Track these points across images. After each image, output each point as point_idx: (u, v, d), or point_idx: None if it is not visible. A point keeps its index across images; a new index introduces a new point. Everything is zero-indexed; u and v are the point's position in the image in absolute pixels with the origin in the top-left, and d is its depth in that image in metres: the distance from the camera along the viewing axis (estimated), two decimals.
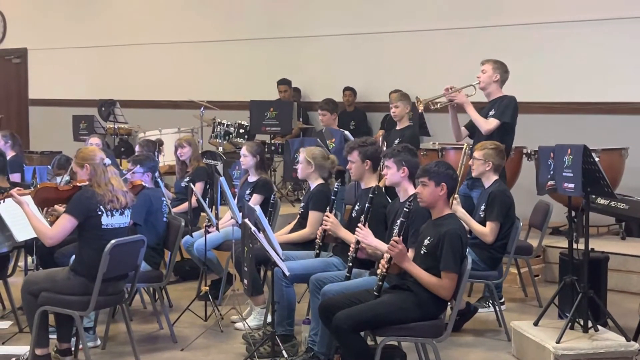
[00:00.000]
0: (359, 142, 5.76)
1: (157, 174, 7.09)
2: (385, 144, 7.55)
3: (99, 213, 5.07)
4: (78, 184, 5.18)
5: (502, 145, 6.47)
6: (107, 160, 5.21)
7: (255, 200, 6.87)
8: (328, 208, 5.73)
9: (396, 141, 7.20)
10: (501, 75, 6.95)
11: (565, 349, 5.13)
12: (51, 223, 5.52)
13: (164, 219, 6.24)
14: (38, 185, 5.44)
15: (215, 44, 12.41)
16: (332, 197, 5.77)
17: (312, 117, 11.29)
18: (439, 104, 7.05)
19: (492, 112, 6.87)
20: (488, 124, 6.82)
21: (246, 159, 7.16)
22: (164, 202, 6.29)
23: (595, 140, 7.87)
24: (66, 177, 6.74)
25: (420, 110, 7.27)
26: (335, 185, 5.81)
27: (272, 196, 6.86)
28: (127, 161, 6.78)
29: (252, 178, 7.19)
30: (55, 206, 5.62)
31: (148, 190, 6.11)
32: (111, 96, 11.91)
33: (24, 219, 5.28)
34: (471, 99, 6.97)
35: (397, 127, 7.75)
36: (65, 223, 5.05)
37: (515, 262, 7.27)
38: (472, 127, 7.04)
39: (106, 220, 5.10)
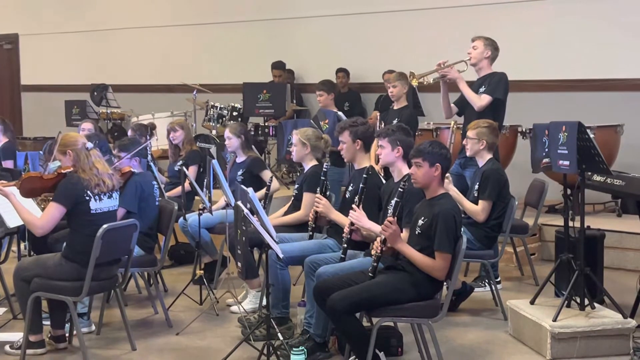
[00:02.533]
0: (349, 122, 5.72)
1: (149, 157, 7.05)
2: (383, 124, 7.50)
3: (87, 198, 5.03)
4: (63, 171, 5.13)
5: (495, 122, 6.44)
6: (89, 144, 5.16)
7: (266, 177, 6.90)
8: (318, 190, 5.69)
9: (394, 121, 7.16)
10: (492, 51, 6.94)
11: (562, 327, 5.12)
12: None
13: (156, 203, 6.19)
14: (23, 176, 5.38)
15: (207, 26, 12.34)
16: (322, 178, 5.72)
17: (306, 98, 11.24)
18: (432, 80, 7.02)
19: (482, 89, 6.86)
20: (481, 100, 6.80)
21: (231, 141, 7.15)
22: (155, 185, 6.24)
23: (590, 117, 7.82)
24: (57, 163, 6.68)
25: (414, 85, 7.22)
26: (325, 165, 5.77)
27: (269, 179, 6.84)
28: (113, 148, 6.73)
29: (241, 158, 7.17)
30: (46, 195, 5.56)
31: (137, 177, 6.04)
32: (103, 81, 11.85)
33: None
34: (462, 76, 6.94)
35: (395, 107, 7.71)
36: (54, 211, 5.00)
37: (511, 241, 7.26)
38: (461, 104, 7.02)
39: (95, 205, 5.06)
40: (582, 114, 6.94)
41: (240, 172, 7.05)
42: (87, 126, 8.48)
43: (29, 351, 5.20)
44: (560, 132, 5.27)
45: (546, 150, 5.52)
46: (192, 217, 6.81)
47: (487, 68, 6.97)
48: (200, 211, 6.52)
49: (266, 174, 7.08)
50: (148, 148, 7.92)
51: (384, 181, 5.53)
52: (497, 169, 6.24)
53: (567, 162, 5.25)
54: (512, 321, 5.71)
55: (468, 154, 6.43)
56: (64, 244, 5.24)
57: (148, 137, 8.09)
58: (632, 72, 8.97)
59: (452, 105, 7.11)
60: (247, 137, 7.23)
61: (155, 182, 6.29)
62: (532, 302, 5.55)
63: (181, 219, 6.87)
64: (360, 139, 5.62)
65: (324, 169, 5.73)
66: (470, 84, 6.99)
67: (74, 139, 5.19)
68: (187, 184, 7.18)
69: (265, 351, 4.99)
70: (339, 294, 4.65)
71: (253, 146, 7.70)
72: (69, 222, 5.12)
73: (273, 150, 10.21)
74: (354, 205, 5.15)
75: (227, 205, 6.37)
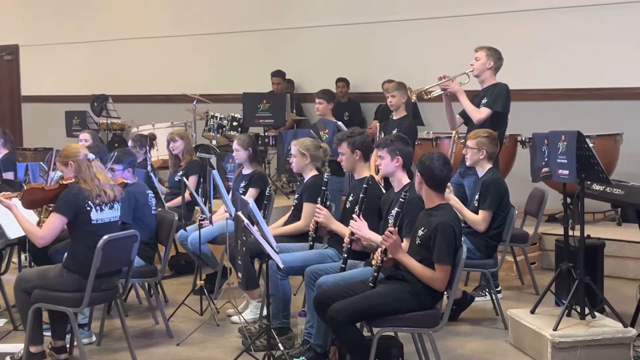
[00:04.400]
0: (347, 133, 5.73)
1: (149, 168, 7.06)
2: (383, 134, 7.50)
3: (88, 209, 5.04)
4: (65, 182, 5.15)
5: (495, 132, 6.44)
6: (91, 156, 5.17)
7: (251, 194, 6.84)
8: (319, 200, 5.69)
9: (394, 131, 7.16)
10: (495, 62, 6.91)
11: (563, 336, 5.12)
12: None
13: (152, 212, 6.19)
14: (24, 187, 5.39)
15: (207, 37, 12.36)
16: (323, 188, 5.72)
17: (306, 108, 11.26)
18: (432, 94, 7.02)
19: (484, 101, 6.84)
20: (480, 113, 6.79)
21: (238, 152, 7.12)
22: (150, 194, 6.23)
23: (590, 126, 7.87)
24: (59, 173, 6.68)
25: (413, 100, 7.23)
26: (325, 175, 5.77)
27: (268, 189, 6.84)
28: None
29: (247, 170, 7.16)
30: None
31: (131, 188, 6.02)
32: (103, 91, 11.87)
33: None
34: (466, 87, 6.94)
35: (394, 117, 7.72)
36: (55, 222, 5.01)
37: (511, 250, 7.26)
38: (466, 115, 7.01)
39: (96, 216, 5.07)
40: (582, 123, 6.97)
41: (243, 184, 7.05)
42: (84, 137, 8.49)
43: None
44: (559, 142, 5.27)
45: (546, 159, 5.53)
46: (192, 233, 6.80)
47: (491, 79, 6.94)
48: (201, 221, 6.52)
49: (252, 191, 6.94)
50: (148, 158, 7.95)
51: (384, 191, 5.54)
52: (497, 179, 6.24)
53: (566, 172, 5.25)
54: (513, 330, 5.71)
55: (468, 163, 6.43)
56: (65, 254, 5.25)
57: (148, 148, 8.11)
58: (632, 81, 8.98)
59: (458, 116, 7.09)
60: (255, 150, 7.20)
61: (150, 191, 6.28)
62: (532, 312, 5.55)
63: (180, 230, 6.87)
64: (359, 149, 5.62)
65: (324, 179, 5.74)
66: (475, 94, 6.99)
67: (76, 150, 5.21)
68: (187, 194, 7.19)
69: None
70: (339, 304, 4.65)
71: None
72: (70, 232, 5.13)
73: (273, 160, 10.22)
74: (354, 215, 5.16)
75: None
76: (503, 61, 6.96)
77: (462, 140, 7.16)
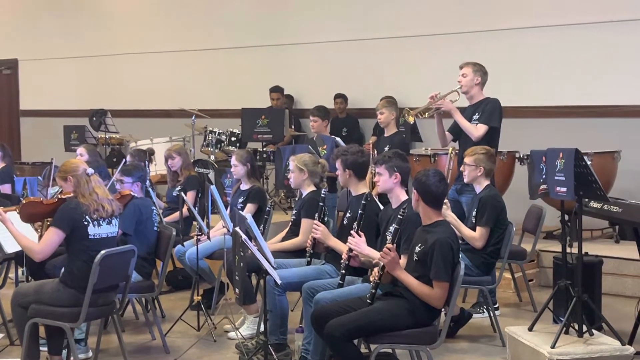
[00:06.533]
0: (342, 150, 5.74)
1: (148, 183, 7.05)
2: (376, 151, 7.51)
3: (85, 223, 5.03)
4: (63, 197, 5.15)
5: (492, 149, 6.45)
6: (90, 170, 5.18)
7: (249, 210, 6.84)
8: (317, 216, 5.69)
9: (386, 148, 7.17)
10: (481, 77, 6.95)
11: (561, 354, 5.10)
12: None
13: (155, 228, 6.19)
14: (23, 201, 5.40)
15: (206, 52, 12.39)
16: (320, 204, 5.72)
17: (304, 124, 11.27)
18: (426, 114, 7.02)
19: (476, 116, 6.86)
20: (477, 131, 6.80)
21: (237, 168, 7.13)
22: (154, 211, 6.25)
23: (587, 143, 7.87)
24: (57, 188, 6.69)
25: (411, 122, 7.25)
26: (323, 191, 5.77)
27: (269, 205, 6.83)
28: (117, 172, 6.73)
29: (245, 186, 7.16)
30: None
31: (137, 200, 6.07)
32: (102, 106, 11.87)
33: None
34: (455, 104, 6.96)
35: (385, 134, 7.73)
36: (52, 236, 5.01)
37: (509, 267, 7.25)
38: (455, 132, 7.02)
39: (93, 231, 5.06)
40: (580, 140, 6.97)
41: (241, 200, 7.05)
42: (80, 151, 8.50)
43: None
44: (557, 159, 5.27)
45: (544, 176, 5.53)
46: (189, 248, 6.79)
47: (479, 94, 6.97)
48: (198, 236, 6.51)
49: (249, 207, 6.96)
50: (147, 173, 7.94)
51: (381, 207, 5.54)
52: (494, 195, 6.25)
53: (564, 189, 5.25)
54: (511, 348, 5.69)
55: (466, 180, 6.43)
56: (62, 269, 5.23)
57: (147, 163, 8.10)
58: (630, 98, 8.98)
59: (447, 133, 7.11)
60: (253, 165, 7.20)
61: (154, 208, 6.30)
62: (530, 329, 5.54)
63: (178, 246, 6.86)
64: (349, 168, 5.62)
65: (322, 195, 5.74)
66: (462, 110, 7.00)
67: (75, 165, 5.21)
68: (185, 210, 7.18)
69: None
70: (336, 320, 4.64)
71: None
72: (67, 247, 5.12)
73: (271, 176, 10.22)
74: (352, 232, 5.16)
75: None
76: (488, 76, 6.99)
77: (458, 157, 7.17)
